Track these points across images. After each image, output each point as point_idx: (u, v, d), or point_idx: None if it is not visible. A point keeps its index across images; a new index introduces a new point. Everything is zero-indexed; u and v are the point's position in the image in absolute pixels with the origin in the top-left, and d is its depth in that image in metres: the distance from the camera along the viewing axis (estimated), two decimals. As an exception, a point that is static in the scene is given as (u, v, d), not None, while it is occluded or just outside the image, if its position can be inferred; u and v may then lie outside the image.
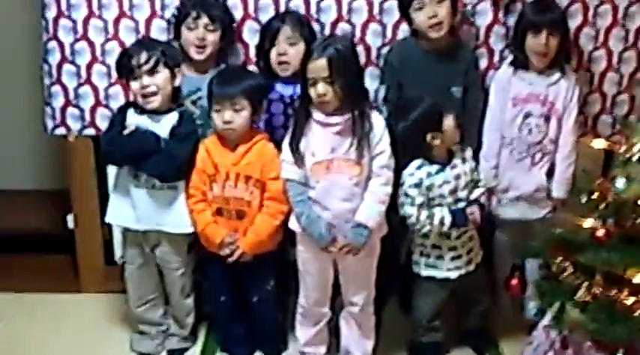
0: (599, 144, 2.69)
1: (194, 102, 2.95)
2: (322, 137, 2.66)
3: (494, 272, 3.16)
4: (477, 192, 2.84)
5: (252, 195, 2.77)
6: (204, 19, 2.85)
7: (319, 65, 2.56)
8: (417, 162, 2.79)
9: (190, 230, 2.87)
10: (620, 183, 2.40)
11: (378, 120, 2.69)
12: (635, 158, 2.42)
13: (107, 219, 3.00)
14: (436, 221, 2.75)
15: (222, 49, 2.99)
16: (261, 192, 2.77)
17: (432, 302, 2.91)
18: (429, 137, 2.73)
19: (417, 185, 2.76)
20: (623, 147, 2.48)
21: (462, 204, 2.78)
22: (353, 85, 2.62)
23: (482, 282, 2.99)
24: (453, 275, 2.83)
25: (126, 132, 2.76)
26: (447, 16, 2.83)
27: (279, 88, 2.94)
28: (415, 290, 2.96)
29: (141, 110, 2.79)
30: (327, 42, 2.63)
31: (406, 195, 2.76)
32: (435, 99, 2.76)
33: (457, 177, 2.78)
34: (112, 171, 3.03)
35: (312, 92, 2.60)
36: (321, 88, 2.56)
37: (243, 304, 2.99)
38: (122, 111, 2.85)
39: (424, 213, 2.75)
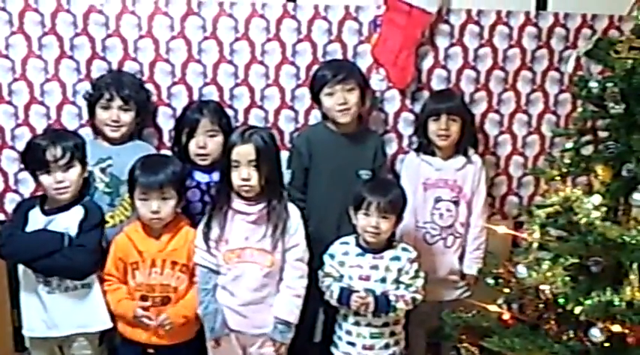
0: (502, 229, 2.77)
1: (103, 170, 2.93)
2: (237, 225, 2.68)
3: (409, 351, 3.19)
4: (394, 291, 2.75)
5: (178, 280, 2.74)
6: (118, 101, 2.87)
7: (246, 150, 2.60)
8: (347, 238, 2.85)
9: (107, 326, 2.80)
10: (522, 269, 2.47)
11: (294, 212, 2.73)
12: (535, 245, 2.51)
13: (25, 333, 2.88)
14: (328, 291, 2.79)
15: (138, 125, 3.00)
16: (189, 277, 2.75)
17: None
18: (351, 213, 2.79)
19: (331, 256, 2.83)
20: (525, 233, 2.57)
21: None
22: (274, 174, 2.67)
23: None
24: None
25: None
26: (355, 103, 2.92)
27: (197, 175, 2.95)
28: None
29: (44, 210, 2.74)
30: (253, 130, 2.68)
31: (323, 259, 2.83)
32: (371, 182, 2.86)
33: (374, 268, 2.78)
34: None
35: (234, 177, 2.62)
36: (245, 172, 2.60)
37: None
38: (24, 209, 2.78)
39: (326, 281, 2.80)
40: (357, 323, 2.79)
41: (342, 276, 2.80)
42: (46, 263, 2.67)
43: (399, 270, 2.78)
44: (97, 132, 2.97)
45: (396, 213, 2.75)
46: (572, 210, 2.41)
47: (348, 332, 2.81)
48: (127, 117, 2.91)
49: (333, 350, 2.88)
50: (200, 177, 2.95)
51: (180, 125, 2.97)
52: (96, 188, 2.89)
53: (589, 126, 2.57)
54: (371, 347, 2.79)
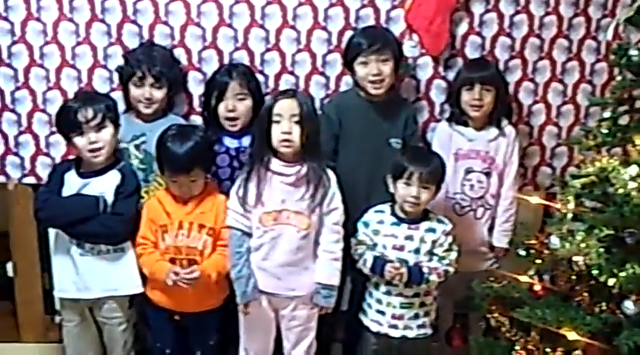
0: (536, 199, 2.74)
1: (137, 147, 2.94)
2: (274, 187, 2.67)
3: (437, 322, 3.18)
4: (427, 263, 2.75)
5: (205, 244, 2.75)
6: (150, 79, 2.85)
7: (289, 103, 2.60)
8: (381, 206, 2.83)
9: (138, 290, 2.83)
10: (555, 240, 2.44)
11: (332, 176, 2.72)
12: (569, 216, 2.47)
13: (57, 294, 2.93)
14: (361, 260, 2.78)
15: (170, 99, 2.99)
16: (214, 240, 2.76)
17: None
18: (389, 181, 2.77)
19: (365, 224, 2.82)
20: (558, 204, 2.54)
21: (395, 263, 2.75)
22: (315, 134, 2.66)
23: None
24: (394, 333, 2.81)
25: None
26: (389, 75, 2.87)
27: (226, 140, 2.93)
28: (359, 339, 2.95)
29: (79, 173, 2.75)
30: (293, 90, 2.72)
31: (357, 227, 2.82)
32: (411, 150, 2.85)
33: (408, 238, 2.76)
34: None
35: (275, 132, 2.61)
36: (287, 125, 2.59)
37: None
38: (59, 172, 2.79)
39: (359, 249, 2.79)
40: (388, 293, 2.79)
41: (375, 245, 2.79)
42: (82, 229, 2.70)
43: (434, 242, 2.76)
44: (130, 107, 2.97)
45: (435, 183, 2.73)
46: (608, 181, 2.38)
47: (379, 301, 2.81)
48: (160, 94, 2.90)
49: (361, 317, 2.89)
50: (229, 142, 2.94)
51: (209, 89, 2.94)
52: (131, 164, 2.88)
53: (627, 95, 2.52)
54: (400, 317, 2.80)
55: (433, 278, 2.73)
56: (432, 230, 2.77)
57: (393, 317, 2.79)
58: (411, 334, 2.81)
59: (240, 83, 2.88)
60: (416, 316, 2.81)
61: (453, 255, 2.77)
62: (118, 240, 2.75)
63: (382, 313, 2.81)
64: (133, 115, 2.97)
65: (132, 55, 2.91)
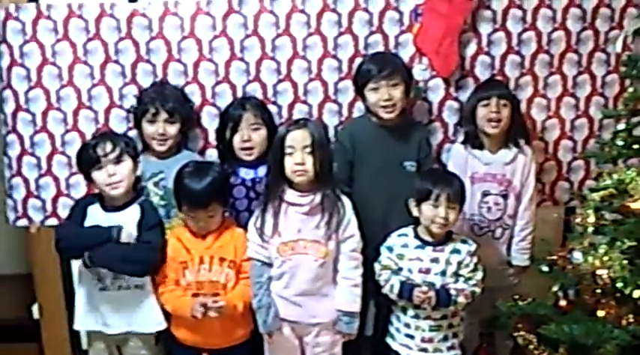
0: (555, 214, 2.74)
1: (156, 184, 2.97)
2: (290, 217, 2.69)
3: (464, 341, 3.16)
4: (454, 285, 2.72)
5: (227, 277, 2.76)
6: (164, 115, 2.90)
7: (301, 134, 2.63)
8: (405, 230, 2.83)
9: (161, 327, 2.83)
10: (578, 255, 2.43)
11: (347, 203, 2.73)
12: (590, 229, 2.47)
13: (76, 327, 2.93)
14: (387, 286, 2.76)
15: (184, 134, 3.03)
16: (236, 273, 2.77)
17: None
18: (411, 205, 2.77)
19: (389, 248, 2.81)
20: (578, 218, 2.53)
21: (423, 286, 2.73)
22: (328, 163, 2.68)
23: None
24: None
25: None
26: (400, 99, 2.89)
27: (242, 172, 2.96)
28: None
29: (103, 207, 2.78)
30: (304, 120, 2.74)
31: (380, 252, 2.81)
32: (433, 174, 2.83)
33: (434, 260, 2.75)
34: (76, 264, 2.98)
35: (288, 163, 2.63)
36: (300, 157, 2.61)
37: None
38: (82, 205, 2.82)
39: (384, 274, 2.78)
40: (416, 316, 2.77)
41: (400, 269, 2.78)
42: (112, 257, 2.69)
43: (459, 263, 2.74)
44: (145, 145, 3.00)
45: (459, 202, 2.73)
46: (627, 192, 2.38)
47: (407, 325, 2.80)
48: (173, 129, 2.94)
49: (389, 341, 2.87)
50: (245, 173, 2.96)
51: (223, 122, 2.98)
52: (151, 202, 2.90)
53: (640, 106, 2.53)
54: (430, 340, 2.77)
55: (461, 299, 2.71)
56: (457, 251, 2.75)
57: (423, 340, 2.77)
58: None
59: (254, 114, 2.92)
60: (445, 338, 2.78)
61: (479, 275, 2.75)
62: (146, 268, 2.74)
63: (411, 337, 2.79)
64: (149, 154, 3.00)
65: (144, 93, 2.96)
